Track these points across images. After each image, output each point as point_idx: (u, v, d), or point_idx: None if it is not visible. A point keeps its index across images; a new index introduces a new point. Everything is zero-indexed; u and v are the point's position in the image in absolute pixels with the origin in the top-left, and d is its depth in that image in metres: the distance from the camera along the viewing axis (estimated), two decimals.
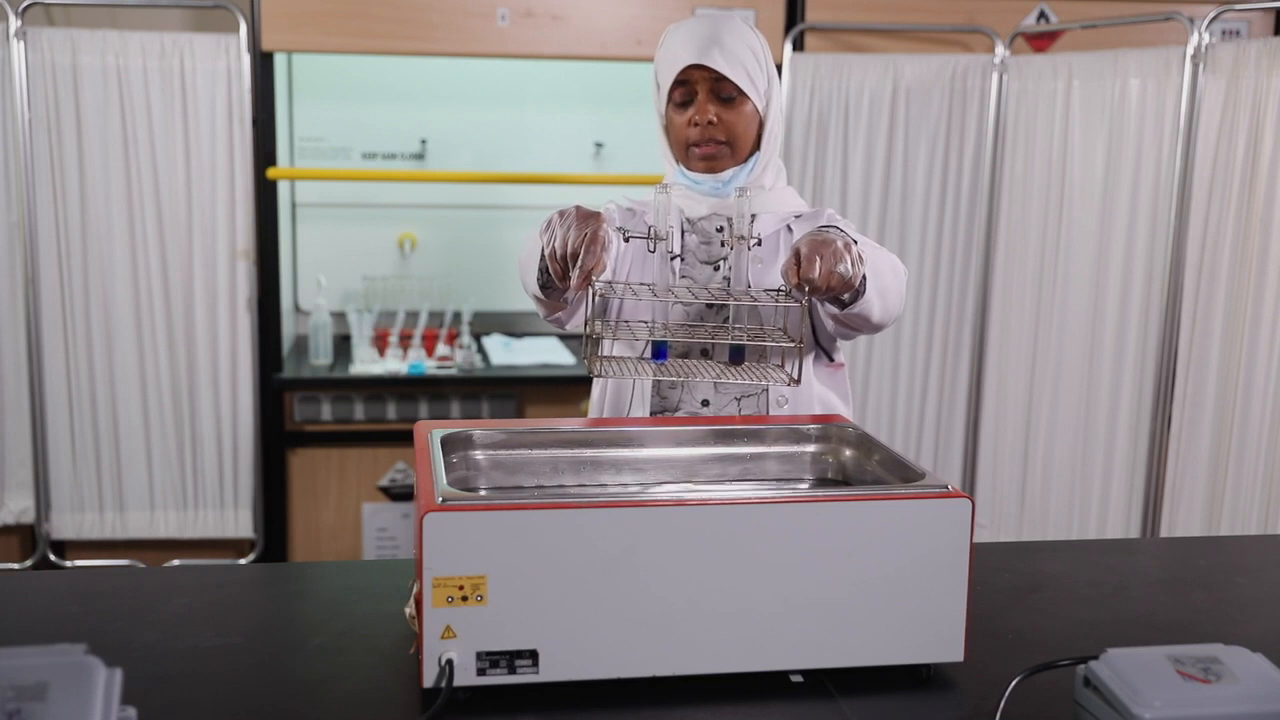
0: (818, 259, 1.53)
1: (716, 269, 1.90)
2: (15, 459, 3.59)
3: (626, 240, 1.77)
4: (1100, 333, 3.49)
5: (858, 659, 1.36)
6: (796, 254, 1.56)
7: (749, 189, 1.66)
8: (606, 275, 1.85)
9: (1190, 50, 3.19)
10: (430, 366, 3.75)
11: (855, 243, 1.63)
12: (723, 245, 1.92)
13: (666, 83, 1.86)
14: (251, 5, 3.52)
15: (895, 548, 1.35)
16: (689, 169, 1.90)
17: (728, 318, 1.85)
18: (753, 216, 1.91)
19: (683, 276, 1.90)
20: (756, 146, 1.90)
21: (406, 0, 3.58)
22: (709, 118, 1.84)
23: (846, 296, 1.67)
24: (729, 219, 1.89)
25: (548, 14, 3.62)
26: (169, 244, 3.54)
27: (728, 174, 1.88)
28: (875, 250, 1.75)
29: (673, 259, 1.87)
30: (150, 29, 3.58)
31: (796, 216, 1.94)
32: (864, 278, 1.63)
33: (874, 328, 1.81)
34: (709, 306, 1.88)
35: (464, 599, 1.27)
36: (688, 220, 1.93)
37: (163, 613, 1.57)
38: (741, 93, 1.84)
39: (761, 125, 1.89)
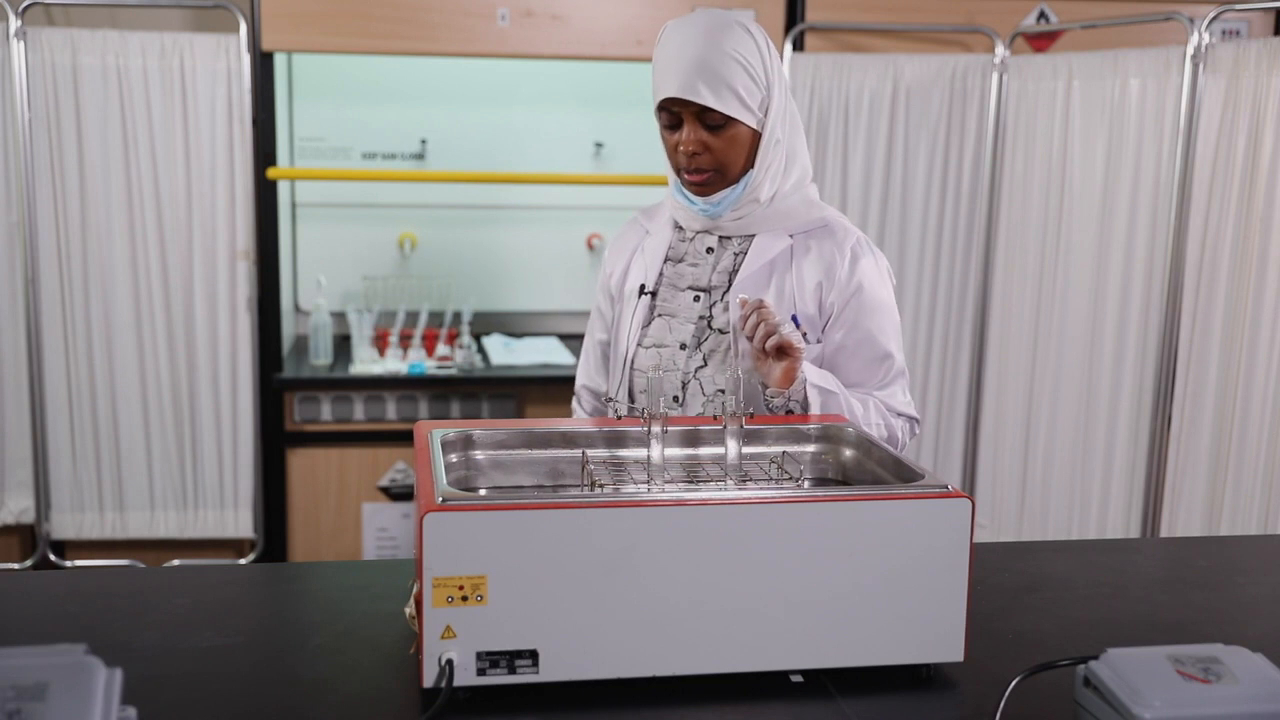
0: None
1: (697, 300, 1.87)
2: (15, 459, 3.59)
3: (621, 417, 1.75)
4: (1100, 332, 3.49)
5: (858, 659, 1.37)
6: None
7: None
8: (603, 335, 2.01)
9: (1190, 50, 3.19)
10: (430, 366, 3.75)
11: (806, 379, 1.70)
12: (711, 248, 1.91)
13: (656, 100, 1.80)
14: (251, 5, 3.52)
15: (895, 548, 1.35)
16: (683, 185, 1.86)
17: (702, 363, 1.85)
18: (746, 241, 1.88)
19: (662, 316, 1.89)
20: (752, 162, 1.82)
21: (406, 0, 3.57)
22: (692, 148, 1.78)
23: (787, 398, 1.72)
24: (720, 237, 1.88)
25: (548, 14, 3.62)
26: (169, 244, 3.54)
27: (717, 197, 1.83)
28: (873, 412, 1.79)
29: (643, 294, 1.89)
30: (150, 29, 3.58)
31: (805, 233, 1.86)
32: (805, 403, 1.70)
33: None
34: (681, 347, 1.86)
35: (464, 599, 1.27)
36: (678, 228, 1.92)
37: (163, 613, 1.57)
38: (731, 118, 1.76)
39: (757, 139, 1.80)
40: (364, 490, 3.72)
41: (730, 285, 1.84)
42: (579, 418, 2.08)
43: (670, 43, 1.78)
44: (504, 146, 4.15)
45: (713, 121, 1.76)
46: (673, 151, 1.82)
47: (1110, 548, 2.12)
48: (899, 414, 1.84)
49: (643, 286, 1.89)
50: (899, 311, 1.91)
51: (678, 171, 1.84)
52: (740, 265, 1.85)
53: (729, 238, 1.88)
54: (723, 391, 1.71)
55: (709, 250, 1.88)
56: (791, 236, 1.85)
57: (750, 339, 1.69)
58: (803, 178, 1.88)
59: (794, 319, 1.80)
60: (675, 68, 1.74)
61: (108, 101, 3.47)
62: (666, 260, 1.90)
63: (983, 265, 3.76)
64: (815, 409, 1.72)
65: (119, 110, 3.47)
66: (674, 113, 1.78)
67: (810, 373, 1.73)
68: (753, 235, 1.86)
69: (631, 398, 1.89)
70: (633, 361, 1.89)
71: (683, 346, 1.85)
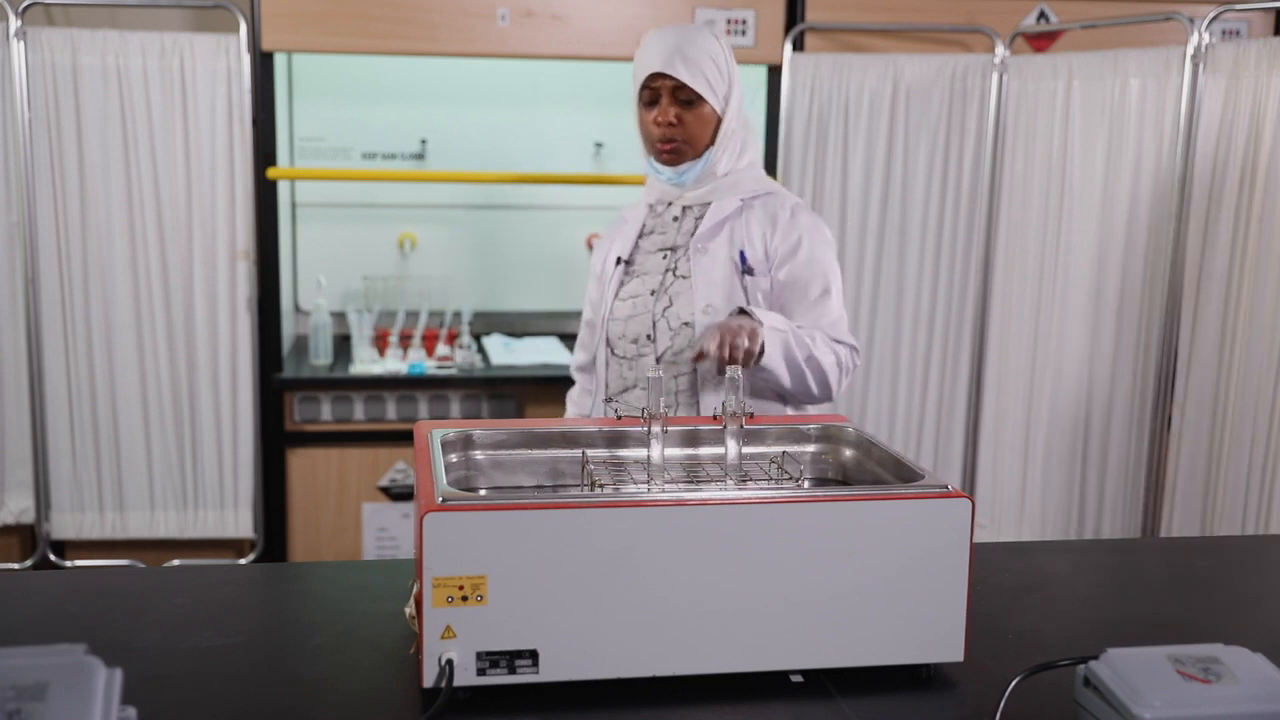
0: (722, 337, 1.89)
1: (664, 257, 2.18)
2: (15, 459, 3.58)
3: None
4: (1100, 333, 3.49)
5: (858, 659, 1.37)
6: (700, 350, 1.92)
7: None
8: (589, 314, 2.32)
9: (1190, 50, 3.19)
10: (430, 366, 3.75)
11: (761, 324, 1.96)
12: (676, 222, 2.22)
13: (637, 84, 2.14)
14: (251, 5, 3.52)
15: (895, 548, 1.35)
16: (655, 160, 2.18)
17: (669, 304, 2.13)
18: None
19: (637, 276, 2.19)
20: (713, 143, 2.15)
21: (406, 0, 3.57)
22: (669, 119, 2.11)
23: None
24: (684, 207, 2.20)
25: (548, 14, 3.62)
26: (169, 244, 3.53)
27: (684, 167, 2.16)
28: (813, 344, 2.03)
29: (619, 263, 2.20)
30: (150, 29, 3.57)
31: (753, 198, 2.16)
32: (762, 347, 1.95)
33: (794, 397, 2.08)
34: (650, 294, 2.15)
35: (464, 599, 1.27)
36: (651, 209, 2.24)
37: (163, 613, 1.57)
38: (700, 97, 2.10)
39: (719, 124, 2.13)
40: (364, 490, 3.72)
41: (692, 240, 2.16)
42: (570, 411, 2.41)
43: (652, 38, 2.14)
44: (504, 146, 4.15)
45: (685, 97, 2.10)
46: (650, 126, 2.15)
47: (1110, 548, 2.12)
48: (841, 342, 2.11)
49: (619, 258, 2.21)
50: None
51: (651, 145, 2.17)
52: (700, 227, 2.16)
53: (690, 207, 2.20)
54: (688, 325, 2.09)
55: (675, 218, 2.21)
56: (742, 200, 2.17)
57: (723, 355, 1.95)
58: (754, 162, 2.22)
59: (742, 254, 2.12)
60: (658, 52, 2.10)
61: (108, 101, 3.46)
62: (641, 235, 2.23)
63: (983, 265, 3.76)
64: (777, 349, 1.97)
65: (119, 110, 3.47)
66: (654, 89, 2.11)
67: (762, 316, 1.99)
68: (710, 203, 2.17)
69: (609, 345, 2.20)
70: (611, 312, 2.19)
71: (652, 293, 2.16)
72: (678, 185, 2.18)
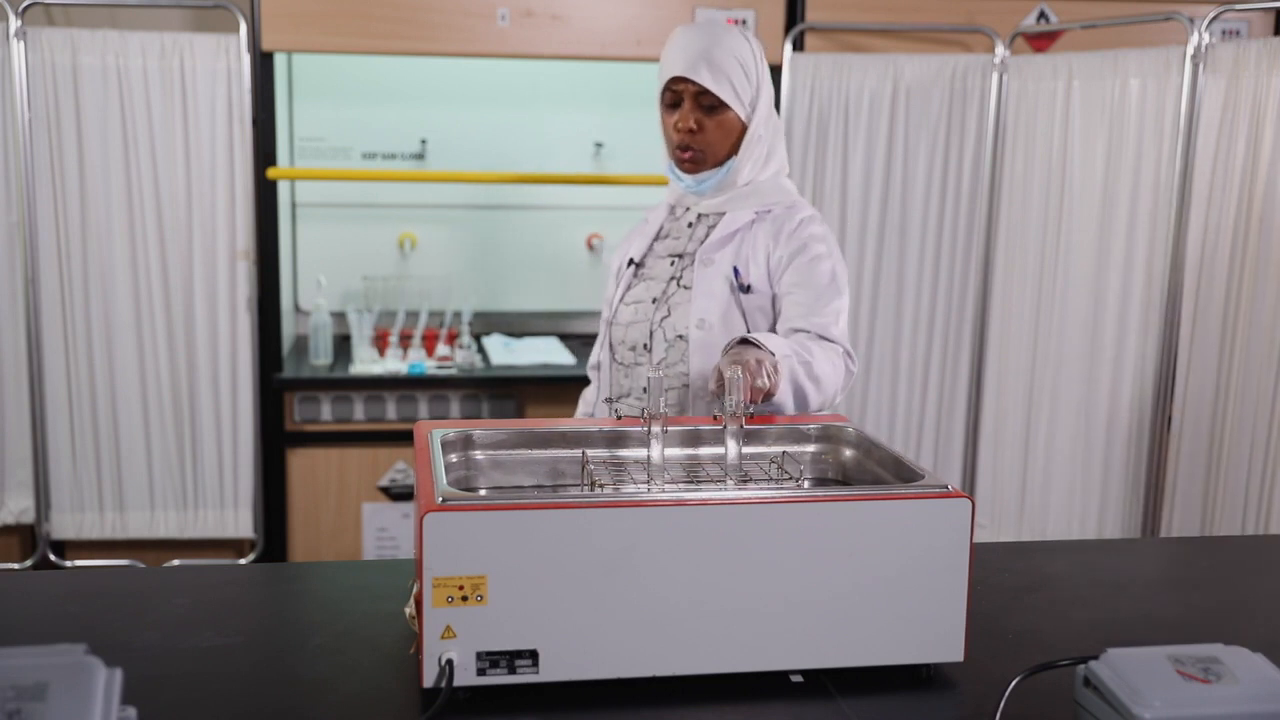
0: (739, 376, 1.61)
1: (672, 263, 2.14)
2: (15, 459, 3.58)
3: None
4: (1100, 332, 3.49)
5: (858, 659, 1.37)
6: (720, 377, 1.64)
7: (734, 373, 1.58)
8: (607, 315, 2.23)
9: (1190, 50, 3.19)
10: (430, 366, 3.75)
11: (773, 354, 1.76)
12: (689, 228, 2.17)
13: (660, 84, 2.07)
14: (251, 5, 3.52)
15: (895, 548, 1.35)
16: (676, 166, 2.12)
17: (667, 314, 2.09)
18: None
19: (645, 280, 2.14)
20: (737, 151, 2.08)
21: (406, 0, 3.57)
22: (690, 125, 2.04)
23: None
24: (699, 214, 2.15)
25: (548, 14, 3.62)
26: (169, 244, 3.53)
27: (703, 175, 2.10)
28: (812, 355, 1.87)
29: (630, 265, 2.17)
30: (150, 29, 3.57)
31: (766, 211, 2.09)
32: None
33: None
34: (652, 302, 2.11)
35: (464, 599, 1.27)
36: (670, 208, 2.20)
37: (163, 613, 1.57)
38: (723, 104, 2.02)
39: (744, 130, 2.06)
40: (364, 490, 3.72)
41: (699, 250, 2.10)
42: (580, 408, 2.36)
43: (679, 37, 2.06)
44: (504, 146, 4.15)
45: (708, 103, 2.03)
46: (670, 131, 2.08)
47: (1110, 548, 2.12)
48: (834, 343, 1.96)
49: (631, 259, 2.17)
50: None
51: (671, 150, 2.10)
52: (710, 236, 2.11)
53: (705, 215, 2.15)
54: (682, 338, 2.05)
55: (689, 225, 2.16)
56: (756, 213, 2.10)
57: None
58: (779, 171, 2.14)
59: (735, 270, 2.05)
60: (682, 54, 2.02)
61: (108, 101, 3.46)
62: (657, 238, 2.19)
63: (983, 265, 3.76)
64: (786, 381, 1.80)
65: (119, 110, 3.47)
66: (676, 91, 2.04)
67: (770, 345, 1.80)
68: (725, 212, 2.11)
69: (611, 350, 2.17)
70: (615, 315, 2.16)
71: (654, 301, 2.11)
72: (696, 193, 2.12)
